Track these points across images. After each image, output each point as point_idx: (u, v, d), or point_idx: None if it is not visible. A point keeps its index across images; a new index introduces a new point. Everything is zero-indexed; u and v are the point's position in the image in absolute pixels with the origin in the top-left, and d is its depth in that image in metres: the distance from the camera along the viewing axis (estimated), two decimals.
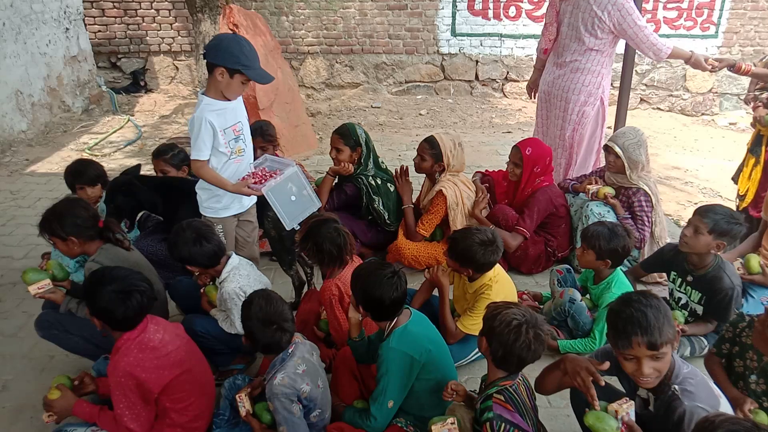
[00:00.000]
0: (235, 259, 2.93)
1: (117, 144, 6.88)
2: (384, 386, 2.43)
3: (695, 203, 6.19)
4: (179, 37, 9.29)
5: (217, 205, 3.15)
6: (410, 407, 2.52)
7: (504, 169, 4.42)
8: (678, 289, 3.31)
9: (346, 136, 3.99)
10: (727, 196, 6.40)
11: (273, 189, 3.01)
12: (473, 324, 3.02)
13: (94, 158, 6.25)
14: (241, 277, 2.87)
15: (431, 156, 3.95)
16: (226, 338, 2.90)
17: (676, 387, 2.02)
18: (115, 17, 9.15)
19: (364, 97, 9.31)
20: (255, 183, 3.02)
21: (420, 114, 8.67)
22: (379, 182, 4.11)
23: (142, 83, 9.31)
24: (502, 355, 2.11)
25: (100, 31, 9.19)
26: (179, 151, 3.91)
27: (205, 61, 2.91)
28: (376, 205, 4.08)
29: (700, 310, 3.22)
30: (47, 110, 7.33)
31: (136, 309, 2.31)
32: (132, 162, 6.30)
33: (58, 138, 7.02)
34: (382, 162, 4.24)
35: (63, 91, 7.67)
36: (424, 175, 4.17)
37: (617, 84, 6.17)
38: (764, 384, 2.43)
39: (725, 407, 2.09)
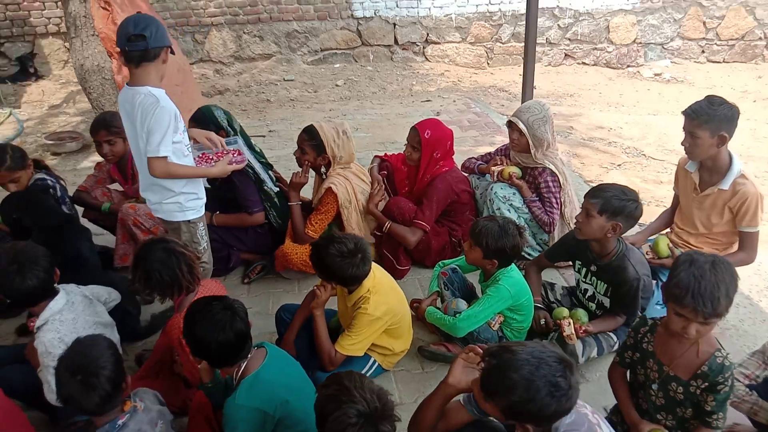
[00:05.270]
0: (59, 303, 2.44)
1: None
2: None
3: (618, 165, 5.98)
4: None
5: (199, 203, 2.92)
6: None
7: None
8: (584, 279, 3.03)
9: (201, 122, 3.43)
10: (651, 155, 6.22)
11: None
12: (352, 344, 2.67)
13: None
14: (62, 323, 2.39)
15: (312, 148, 3.51)
16: None
17: None
18: None
19: (278, 69, 8.71)
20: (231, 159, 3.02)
21: (336, 85, 8.17)
22: (259, 165, 3.64)
23: (30, 70, 8.45)
24: None
25: None
26: (12, 148, 3.36)
27: (144, 49, 2.55)
28: (266, 187, 3.62)
29: (608, 302, 2.94)
30: None
31: None
32: None
33: None
34: (256, 145, 3.74)
35: None
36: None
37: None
38: (663, 398, 2.16)
39: None
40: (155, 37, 2.55)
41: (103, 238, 4.02)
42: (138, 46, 2.53)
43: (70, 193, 3.74)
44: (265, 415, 2.06)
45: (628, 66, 9.28)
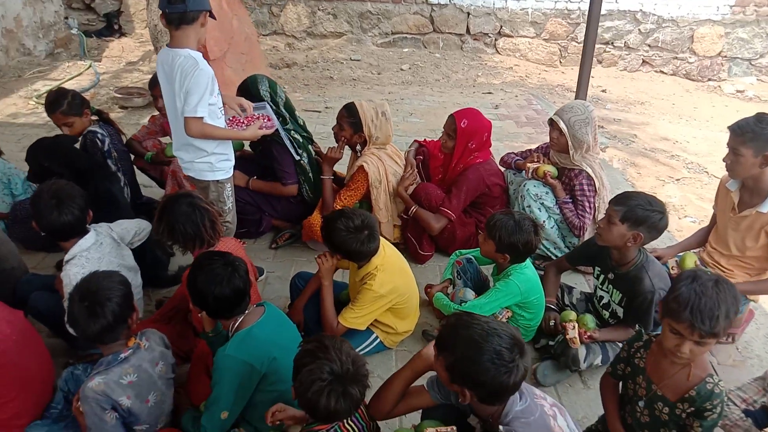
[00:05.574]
0: (88, 241, 2.62)
1: None
2: (217, 396, 2.16)
3: (677, 179, 5.74)
4: None
5: (229, 163, 3.03)
6: (252, 418, 2.26)
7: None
8: (600, 286, 2.96)
9: (246, 92, 3.53)
10: (714, 173, 5.92)
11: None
12: (355, 318, 2.73)
13: (39, 107, 5.98)
14: (88, 261, 2.56)
15: (350, 125, 3.57)
16: None
17: (502, 429, 1.71)
18: None
19: (346, 48, 8.80)
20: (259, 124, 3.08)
21: (401, 69, 8.18)
22: (301, 140, 3.73)
23: (115, 26, 8.91)
24: (308, 411, 1.85)
25: None
26: (73, 96, 3.56)
27: (183, 12, 2.64)
28: (303, 161, 3.72)
29: (621, 312, 2.87)
30: (2, 53, 7.00)
31: None
32: None
33: (9, 84, 6.69)
34: (300, 118, 3.82)
35: (22, 33, 7.31)
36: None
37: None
38: (648, 416, 2.11)
39: None
40: (194, 1, 2.63)
41: (150, 190, 4.24)
42: (177, 9, 2.62)
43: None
44: (252, 369, 2.15)
45: (709, 79, 8.82)
